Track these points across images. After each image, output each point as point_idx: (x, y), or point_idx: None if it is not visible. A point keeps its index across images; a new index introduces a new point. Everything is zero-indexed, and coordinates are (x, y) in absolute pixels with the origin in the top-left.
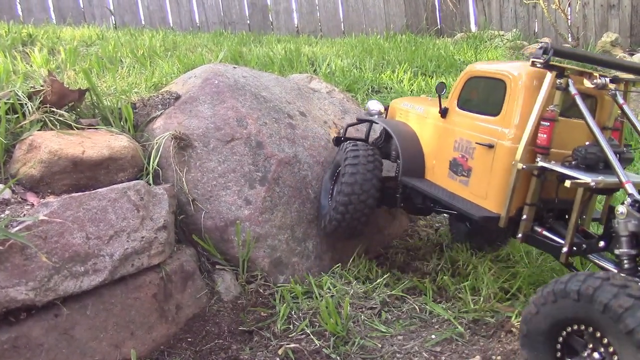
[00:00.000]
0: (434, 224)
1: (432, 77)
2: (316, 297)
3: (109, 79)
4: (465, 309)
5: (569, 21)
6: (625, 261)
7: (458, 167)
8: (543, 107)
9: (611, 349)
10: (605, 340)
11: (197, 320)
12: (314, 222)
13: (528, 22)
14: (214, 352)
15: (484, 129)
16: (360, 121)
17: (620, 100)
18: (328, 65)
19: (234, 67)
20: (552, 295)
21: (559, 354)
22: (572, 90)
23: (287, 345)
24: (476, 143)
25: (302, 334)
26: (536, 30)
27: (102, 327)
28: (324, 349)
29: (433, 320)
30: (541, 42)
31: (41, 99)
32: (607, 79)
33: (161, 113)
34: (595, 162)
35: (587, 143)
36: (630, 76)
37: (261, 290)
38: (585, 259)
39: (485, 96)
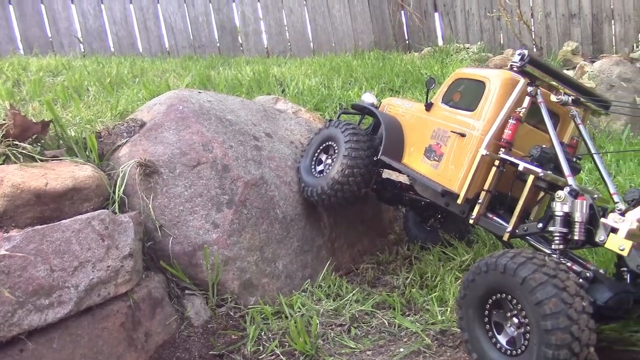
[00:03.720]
0: (403, 237)
1: (399, 92)
2: (286, 317)
3: (74, 109)
4: (432, 321)
5: (533, 32)
6: (557, 238)
7: (432, 153)
8: (512, 108)
9: (523, 314)
10: (520, 307)
11: (167, 347)
12: (283, 241)
13: (493, 34)
14: None
15: (461, 121)
16: (354, 108)
17: (578, 121)
18: (296, 85)
19: (199, 92)
20: (485, 267)
21: (486, 314)
22: (539, 98)
23: None
24: (451, 132)
25: (272, 355)
26: (502, 42)
27: (69, 359)
28: None
29: (402, 334)
30: (519, 49)
31: (3, 132)
32: (570, 98)
33: (126, 141)
34: (546, 162)
35: (543, 145)
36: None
37: (232, 313)
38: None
39: (466, 94)
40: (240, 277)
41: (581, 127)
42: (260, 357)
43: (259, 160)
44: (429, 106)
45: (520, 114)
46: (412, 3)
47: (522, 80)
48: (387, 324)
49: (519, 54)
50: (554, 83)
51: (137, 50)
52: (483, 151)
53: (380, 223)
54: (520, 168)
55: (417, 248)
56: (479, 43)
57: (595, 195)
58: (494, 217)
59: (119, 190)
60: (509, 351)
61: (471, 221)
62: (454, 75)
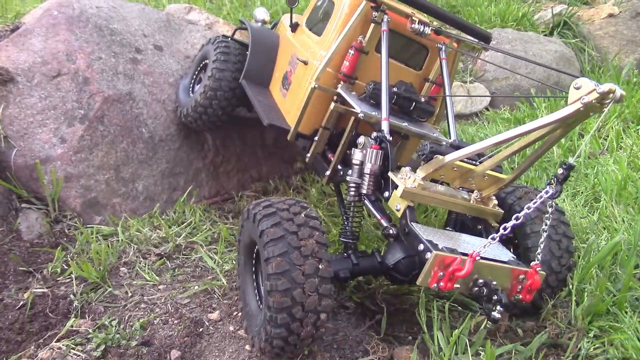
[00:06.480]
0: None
1: None
2: (123, 240)
3: None
4: None
5: None
6: (351, 189)
7: (285, 81)
8: (352, 35)
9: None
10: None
11: None
12: (147, 162)
13: None
14: None
15: (309, 47)
16: (242, 23)
17: (443, 55)
18: None
19: None
20: (247, 214)
21: (254, 263)
22: (383, 26)
23: (34, 290)
24: (297, 58)
25: (68, 278)
26: None
27: None
28: (70, 295)
29: (211, 271)
30: None
31: None
32: (428, 28)
33: None
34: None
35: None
36: (456, 32)
37: (67, 231)
38: None
39: (321, 17)
40: (83, 195)
41: (443, 62)
42: (58, 279)
43: (131, 75)
44: (294, 27)
45: (362, 44)
46: None
47: (363, 2)
48: (204, 259)
49: None
50: (406, 9)
51: None
52: (313, 84)
53: (287, 148)
54: (331, 107)
55: (311, 179)
56: None
57: (444, 144)
58: (331, 157)
59: None
60: (260, 307)
61: (307, 160)
62: None
